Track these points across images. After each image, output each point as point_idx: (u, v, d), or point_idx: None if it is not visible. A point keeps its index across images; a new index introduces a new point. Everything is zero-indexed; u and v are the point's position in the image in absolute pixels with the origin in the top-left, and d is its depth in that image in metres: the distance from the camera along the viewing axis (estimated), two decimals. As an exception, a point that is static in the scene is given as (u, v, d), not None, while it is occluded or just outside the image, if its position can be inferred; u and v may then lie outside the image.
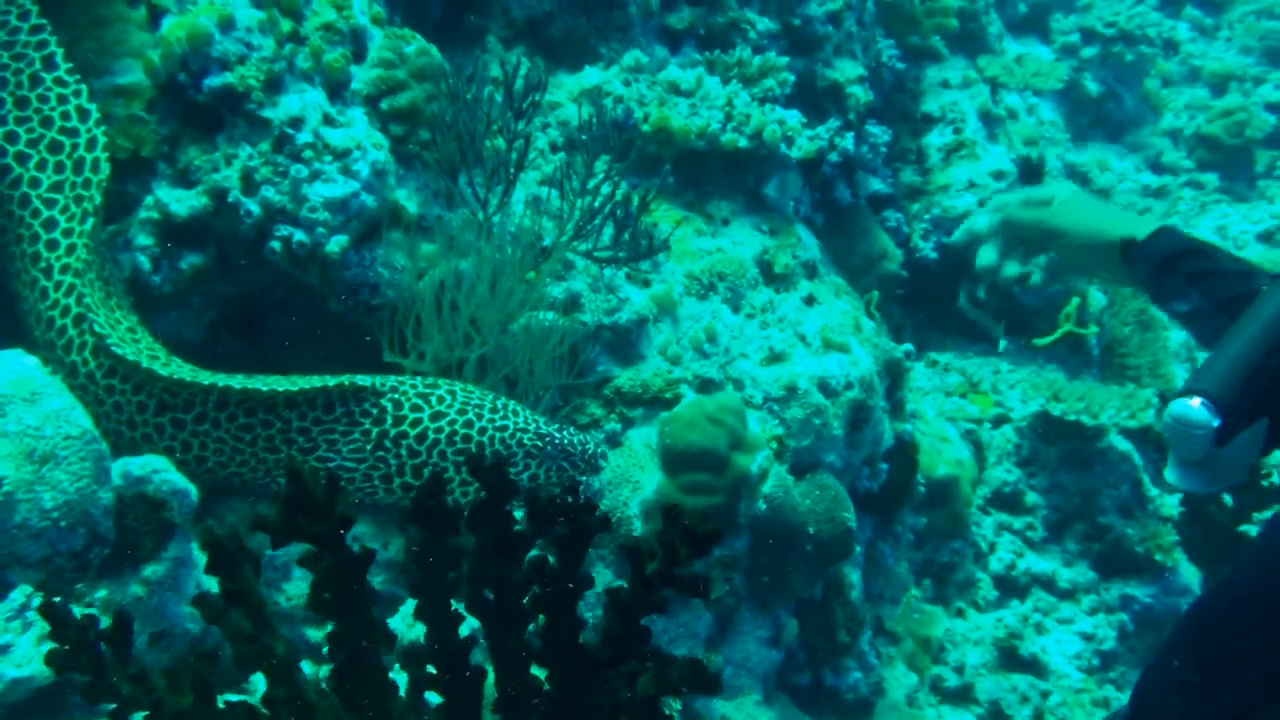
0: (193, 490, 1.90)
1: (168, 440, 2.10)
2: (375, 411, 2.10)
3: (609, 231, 2.49)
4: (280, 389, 2.06)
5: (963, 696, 3.18)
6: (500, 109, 2.38)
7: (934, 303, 4.35)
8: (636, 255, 2.37)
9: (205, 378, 2.06)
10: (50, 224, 2.19)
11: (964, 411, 3.92)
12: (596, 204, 2.41)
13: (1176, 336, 5.33)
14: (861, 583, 2.84)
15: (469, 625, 1.25)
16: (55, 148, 2.22)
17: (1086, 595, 3.62)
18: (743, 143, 3.02)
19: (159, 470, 1.88)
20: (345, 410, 2.09)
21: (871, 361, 2.89)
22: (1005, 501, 3.77)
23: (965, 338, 4.43)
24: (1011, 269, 4.10)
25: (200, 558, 1.94)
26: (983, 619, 3.46)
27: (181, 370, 2.10)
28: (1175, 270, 2.25)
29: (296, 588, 2.06)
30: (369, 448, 2.10)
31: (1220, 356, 1.83)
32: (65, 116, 2.23)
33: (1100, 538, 3.70)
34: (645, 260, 2.43)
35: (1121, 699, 3.32)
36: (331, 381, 2.08)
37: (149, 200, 2.33)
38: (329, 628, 2.00)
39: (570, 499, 1.17)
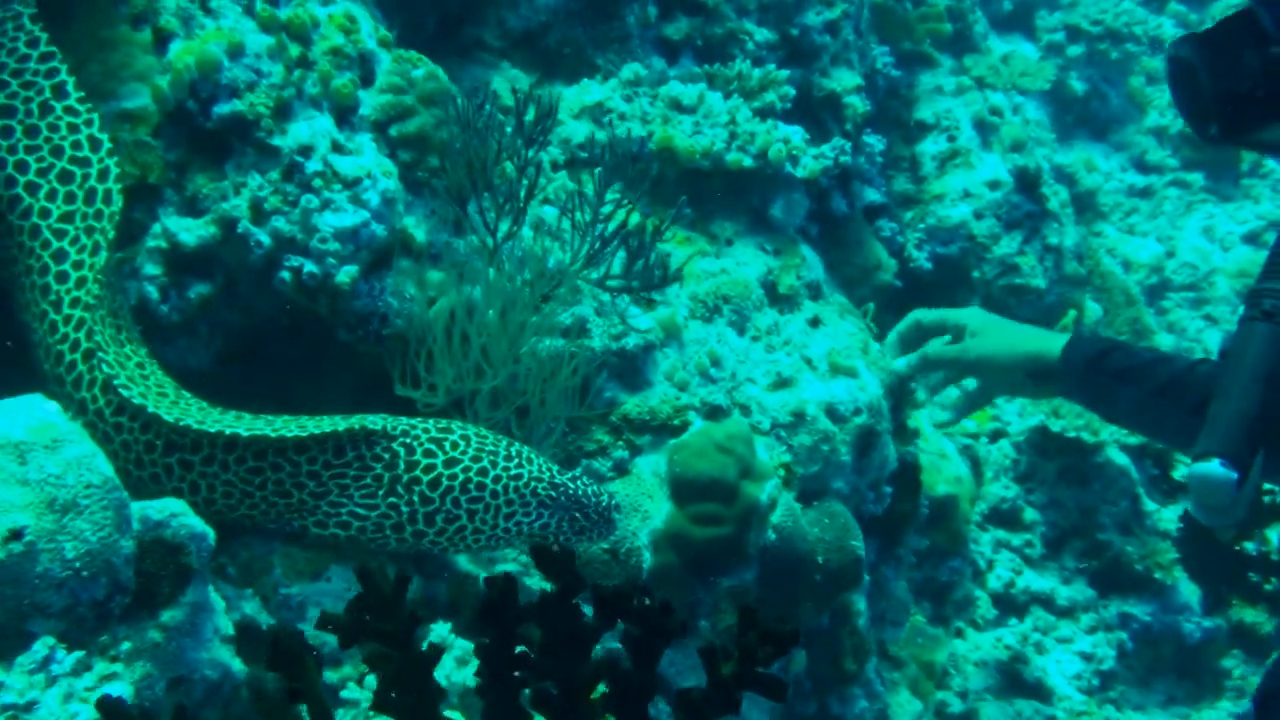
0: (210, 534, 1.88)
1: (176, 481, 2.08)
2: (387, 456, 2.07)
3: (619, 258, 2.47)
4: (289, 434, 2.03)
5: (965, 721, 3.21)
6: (511, 136, 2.35)
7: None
8: (650, 285, 2.36)
9: (212, 421, 2.02)
10: (60, 255, 2.16)
11: (961, 426, 3.93)
12: (607, 233, 2.39)
13: (1165, 340, 5.37)
14: (868, 609, 2.85)
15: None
16: (66, 178, 2.18)
17: (1085, 613, 3.64)
18: (748, 162, 3.01)
19: (177, 514, 1.86)
20: (356, 454, 2.07)
21: (879, 386, 2.89)
22: (1003, 518, 3.80)
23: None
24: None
25: (218, 601, 1.94)
26: (982, 638, 3.48)
27: (188, 411, 2.07)
28: (1102, 371, 2.42)
29: (311, 629, 2.04)
30: (381, 493, 2.08)
31: (1221, 415, 2.02)
32: (76, 146, 2.19)
33: (1099, 555, 3.73)
34: (659, 290, 2.41)
35: (1118, 715, 3.35)
36: (342, 425, 2.05)
37: (156, 229, 2.30)
38: (345, 669, 2.01)
39: (647, 600, 1.16)
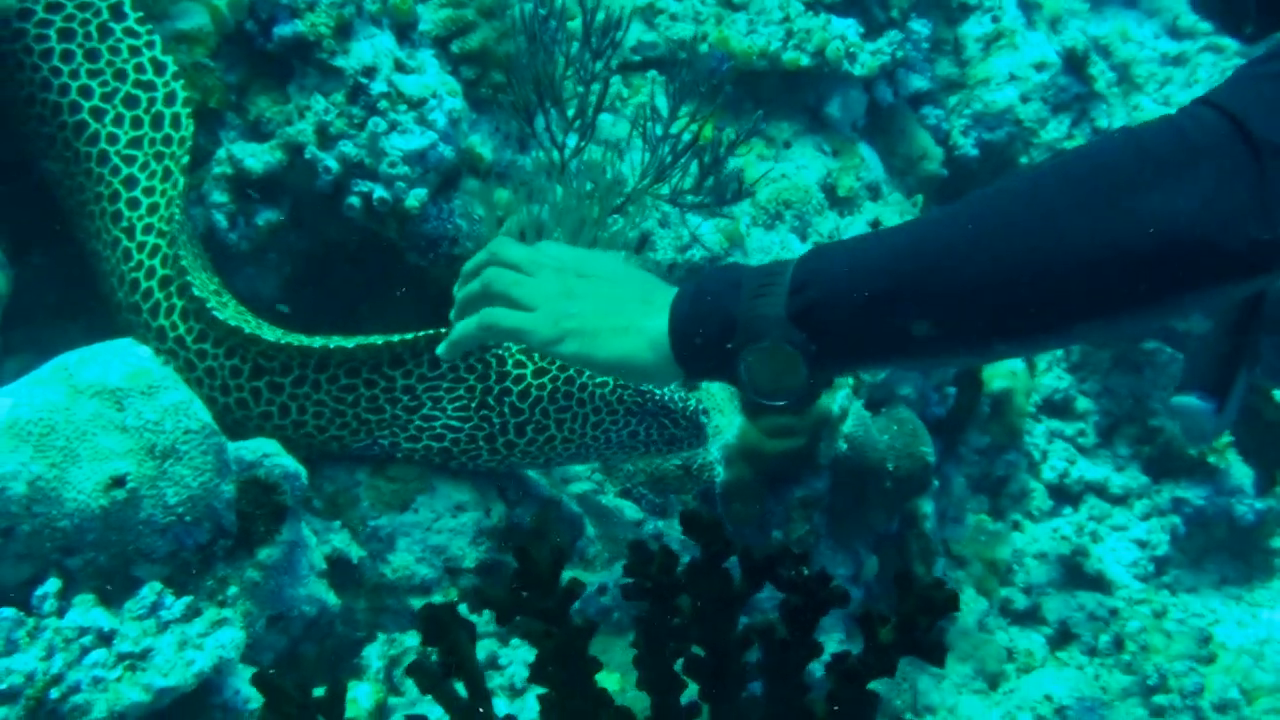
0: (303, 472, 1.89)
1: (264, 405, 2.06)
2: (480, 368, 2.06)
3: (690, 173, 2.43)
4: (383, 343, 2.01)
5: (1031, 617, 3.23)
6: (579, 50, 2.30)
7: (972, 198, 4.29)
8: (724, 200, 2.32)
9: (305, 340, 2.01)
10: (130, 182, 2.12)
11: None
12: (679, 147, 2.34)
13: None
14: (935, 512, 2.86)
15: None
16: (131, 102, 2.13)
17: (1139, 500, 3.65)
18: (805, 61, 2.94)
19: (270, 454, 1.86)
20: (450, 366, 2.05)
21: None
22: (1056, 408, 3.79)
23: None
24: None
25: (310, 537, 1.95)
26: (1038, 529, 3.49)
27: (276, 333, 2.06)
28: None
29: (400, 559, 2.06)
30: (474, 405, 2.07)
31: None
32: (139, 69, 2.14)
33: (1151, 440, 3.72)
34: (734, 205, 2.37)
35: (1176, 603, 3.38)
36: (437, 333, 2.00)
37: (221, 155, 2.27)
38: (434, 599, 2.03)
39: (805, 570, 1.15)
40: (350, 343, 2.02)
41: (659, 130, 2.33)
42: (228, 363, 2.06)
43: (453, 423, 2.08)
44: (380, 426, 2.09)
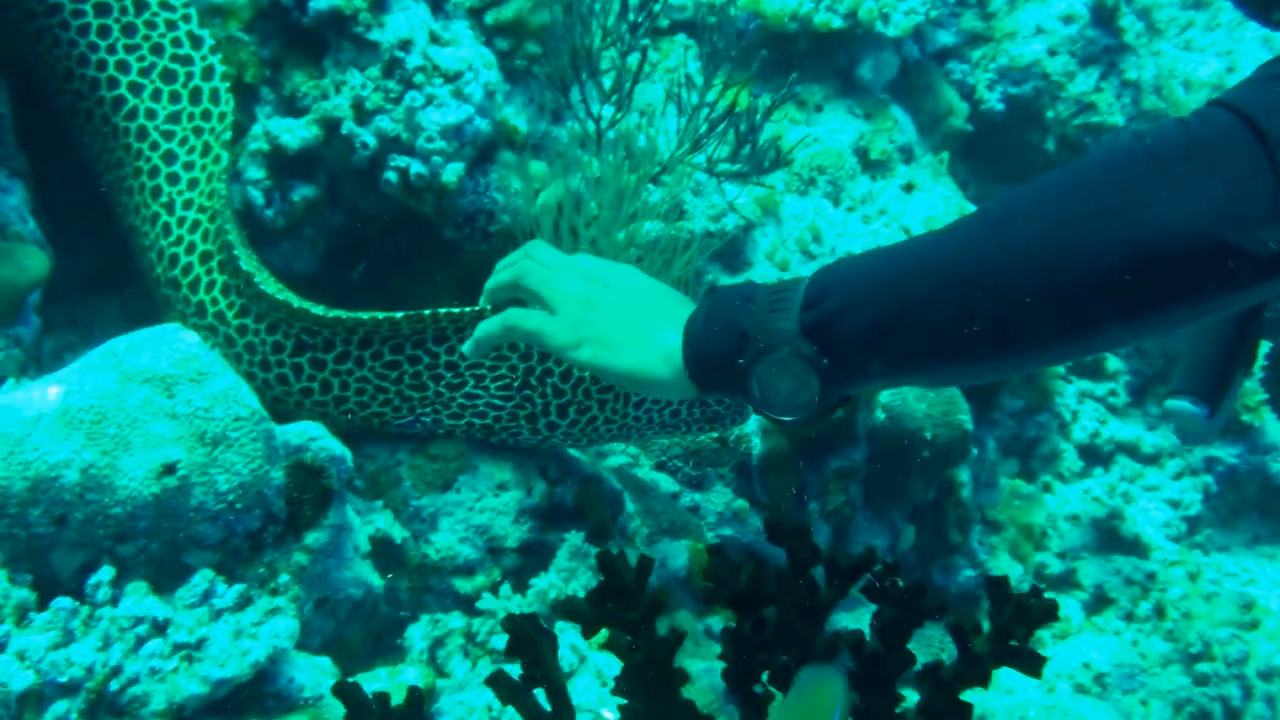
0: (348, 456, 1.89)
1: (305, 381, 2.05)
2: (522, 346, 2.04)
3: (725, 142, 2.40)
4: (429, 315, 1.99)
5: (1066, 582, 3.24)
6: (616, 21, 2.27)
7: (996, 152, 4.25)
8: (762, 169, 2.29)
9: (350, 314, 1.99)
10: (170, 157, 2.11)
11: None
12: (713, 115, 2.31)
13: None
14: (971, 479, 2.86)
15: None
16: (169, 76, 2.12)
17: (1171, 460, 3.64)
18: (837, 23, 2.91)
19: (315, 437, 1.86)
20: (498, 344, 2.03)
21: (978, 255, 2.84)
22: (1086, 369, 3.77)
23: (1028, 188, 4.34)
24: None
25: (355, 519, 1.95)
26: (1069, 490, 3.49)
27: (320, 308, 2.05)
28: None
29: (443, 539, 2.06)
30: (516, 384, 2.06)
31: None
32: (176, 43, 2.12)
33: (1184, 400, 3.70)
34: (771, 174, 2.35)
35: (1209, 563, 3.38)
36: (483, 310, 1.99)
37: (257, 130, 2.25)
38: (478, 579, 2.03)
39: (899, 580, 1.15)
40: (397, 316, 2.00)
41: (694, 98, 2.30)
42: (269, 338, 2.04)
43: (495, 401, 2.07)
44: (423, 404, 2.08)
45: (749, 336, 1.55)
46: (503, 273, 1.83)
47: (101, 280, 2.34)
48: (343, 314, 1.99)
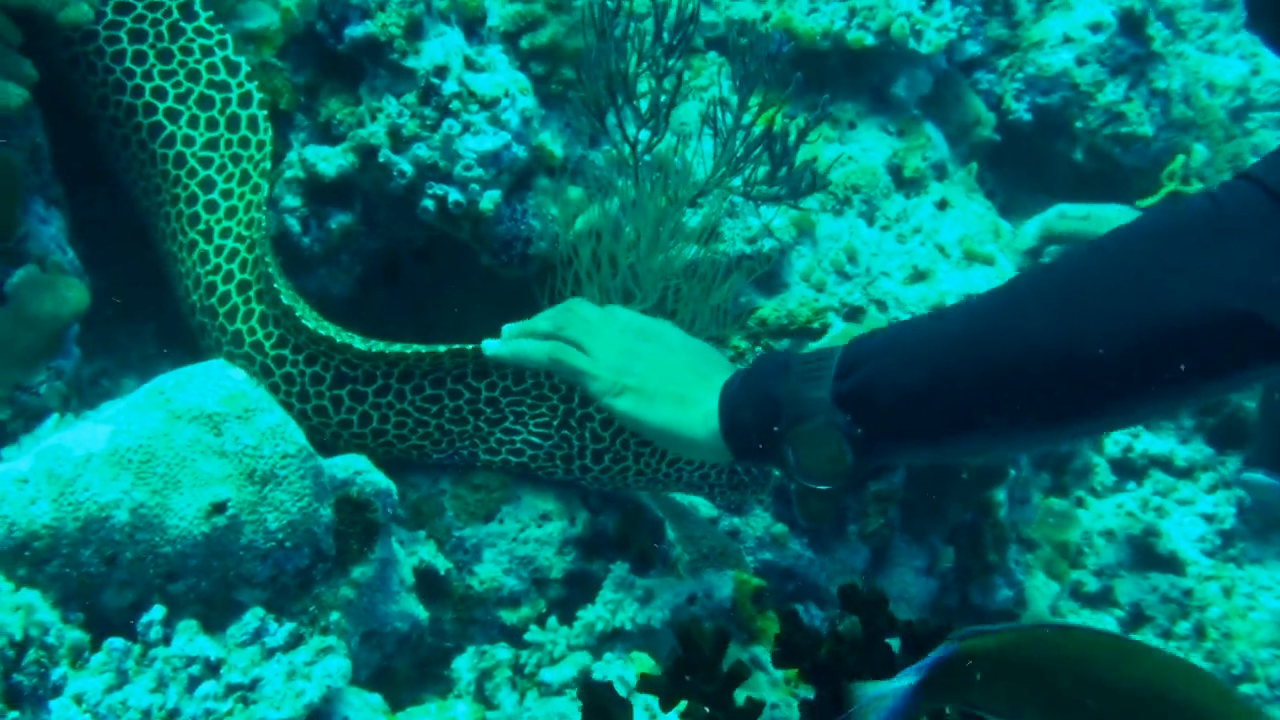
0: (394, 489, 1.88)
1: (344, 413, 2.05)
2: (564, 389, 2.03)
3: (761, 163, 2.39)
4: (471, 350, 1.98)
5: (1103, 600, 3.22)
6: (651, 45, 2.25)
7: (1024, 161, 4.23)
8: (798, 193, 2.28)
9: (390, 347, 1.99)
10: (208, 184, 2.10)
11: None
12: (750, 139, 2.30)
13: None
14: (1008, 499, 2.85)
15: None
16: (205, 103, 2.11)
17: (1204, 472, 3.62)
18: (869, 40, 2.90)
19: (361, 471, 1.85)
20: (535, 383, 2.03)
21: (1015, 272, 2.83)
22: (1119, 383, 3.75)
23: (1056, 197, 4.32)
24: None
25: (400, 552, 1.94)
26: (1103, 505, 3.47)
27: (353, 338, 2.04)
28: None
29: (487, 570, 2.05)
30: (555, 424, 2.05)
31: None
32: (212, 69, 2.12)
33: (1216, 411, 3.68)
34: (809, 198, 2.33)
35: (1243, 576, 3.36)
36: None
37: (293, 158, 2.25)
38: (523, 610, 2.03)
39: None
40: (439, 350, 1.99)
41: (728, 119, 2.28)
42: (308, 369, 2.04)
43: (533, 439, 2.06)
44: (461, 438, 2.07)
45: (783, 404, 1.58)
46: (542, 321, 1.89)
47: (136, 305, 2.33)
48: (384, 348, 1.99)
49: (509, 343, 1.92)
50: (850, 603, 1.17)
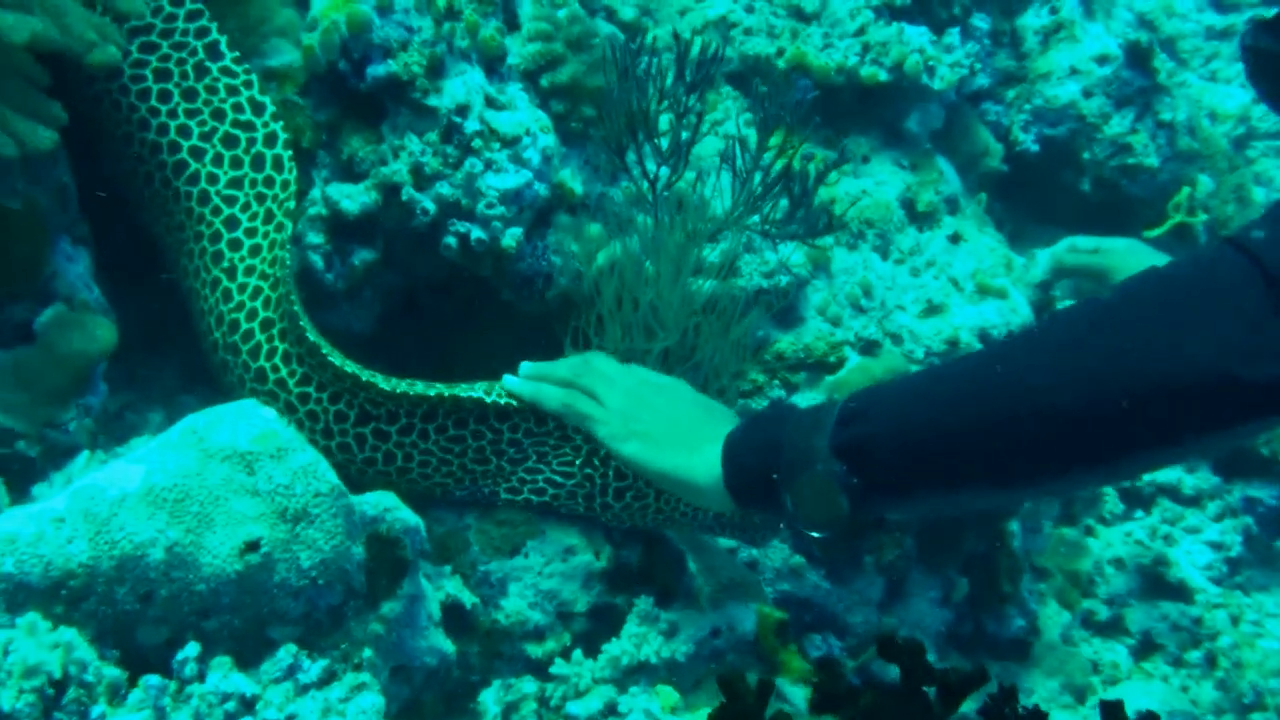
0: (422, 526, 1.90)
1: (368, 451, 2.07)
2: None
3: (778, 203, 2.41)
4: (491, 399, 2.02)
5: (1114, 628, 3.24)
6: (673, 85, 2.28)
7: (1032, 192, 4.26)
8: (815, 232, 2.31)
9: (410, 388, 2.01)
10: (232, 222, 2.12)
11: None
12: (769, 179, 2.33)
13: (1257, 193, 5.27)
14: (1021, 529, 2.87)
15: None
16: (230, 142, 2.13)
17: (1211, 501, 3.63)
18: (883, 76, 2.93)
19: (390, 508, 1.87)
20: (557, 424, 2.05)
21: (1028, 306, 2.86)
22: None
23: (1063, 227, 4.35)
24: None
25: (427, 587, 1.96)
26: (1111, 534, 3.49)
27: (376, 377, 2.06)
28: None
29: (513, 604, 2.07)
30: (579, 463, 2.07)
31: None
32: (237, 109, 2.14)
33: (1223, 440, 3.69)
34: (826, 236, 2.36)
35: (1250, 604, 3.38)
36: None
37: (316, 195, 2.27)
38: (548, 644, 2.05)
39: (1020, 708, 1.16)
40: (461, 395, 2.02)
41: (745, 159, 2.31)
42: (332, 407, 2.06)
43: (555, 478, 2.09)
44: (484, 476, 2.10)
45: (783, 451, 1.64)
46: (561, 368, 2.02)
47: (159, 338, 2.35)
48: (407, 388, 2.01)
49: (527, 383, 2.02)
50: (889, 652, 1.19)
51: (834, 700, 1.18)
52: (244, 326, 2.10)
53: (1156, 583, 3.35)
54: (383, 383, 2.01)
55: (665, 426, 1.90)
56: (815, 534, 1.70)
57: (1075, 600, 3.17)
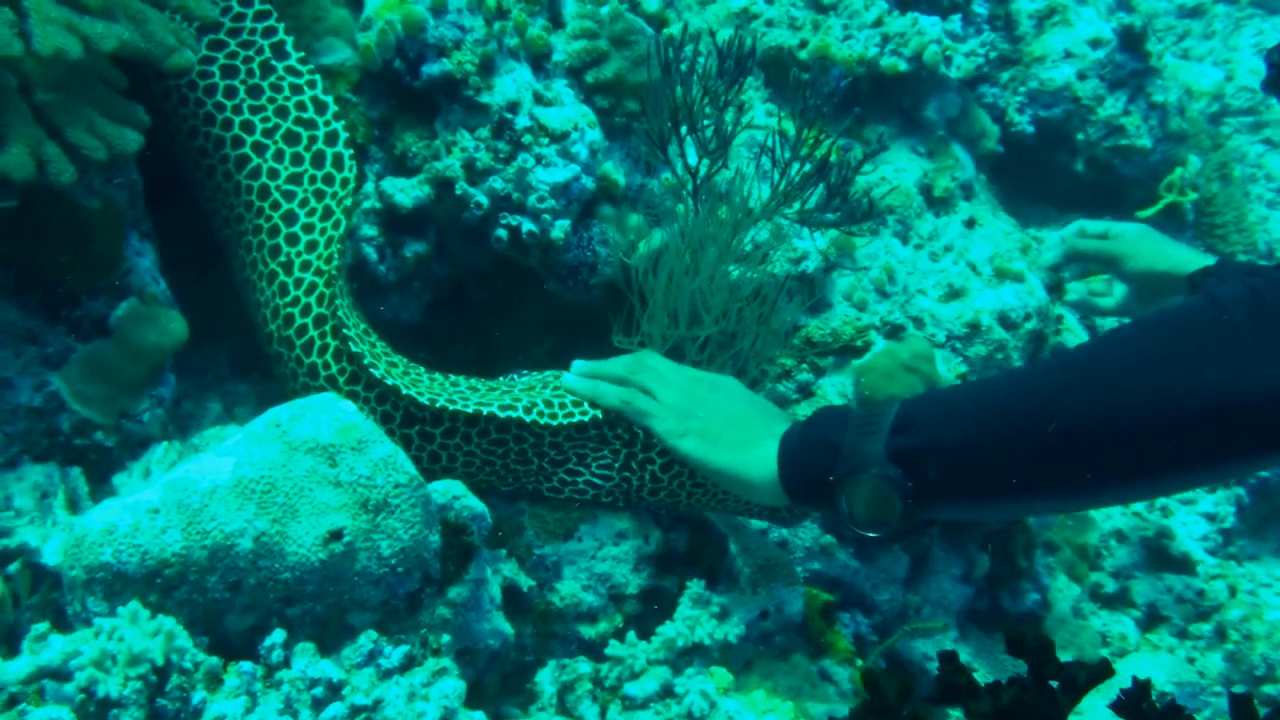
0: (488, 513, 1.97)
1: (414, 450, 2.12)
2: (627, 436, 2.12)
3: (813, 192, 2.48)
4: (530, 419, 2.08)
5: (1121, 600, 3.35)
6: (715, 79, 2.34)
7: (1026, 172, 4.34)
8: (853, 219, 2.38)
9: (450, 403, 2.06)
10: (290, 217, 2.17)
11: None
12: (807, 168, 2.39)
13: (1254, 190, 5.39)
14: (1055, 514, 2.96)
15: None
16: (292, 139, 2.18)
17: (1207, 473, 3.74)
18: (903, 66, 3.00)
19: (458, 496, 1.94)
20: (598, 431, 2.12)
21: (1044, 289, 2.95)
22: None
23: (1055, 206, 4.44)
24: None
25: (493, 576, 2.03)
26: (1112, 508, 3.60)
27: (420, 381, 2.11)
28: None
29: (567, 587, 2.14)
30: (617, 466, 2.14)
31: None
32: (301, 107, 2.19)
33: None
34: (868, 223, 2.42)
35: (1244, 573, 3.50)
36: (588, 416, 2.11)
37: (369, 189, 2.32)
38: (601, 626, 2.12)
39: (1158, 704, 1.23)
40: (500, 415, 2.07)
41: (772, 148, 2.37)
42: (379, 408, 2.11)
43: (595, 480, 2.15)
44: (526, 475, 2.16)
45: (840, 455, 1.73)
46: (616, 366, 2.10)
47: (207, 329, 2.40)
48: (446, 401, 2.05)
49: (584, 381, 2.10)
50: (1019, 649, 1.26)
51: (954, 692, 1.25)
52: (298, 321, 2.15)
53: (1160, 555, 3.46)
54: (422, 396, 2.06)
55: (720, 423, 1.98)
56: (869, 534, 1.78)
57: (1084, 574, 3.28)
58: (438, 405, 2.05)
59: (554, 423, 2.09)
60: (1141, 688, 1.27)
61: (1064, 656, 2.76)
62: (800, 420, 1.93)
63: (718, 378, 2.10)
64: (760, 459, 1.90)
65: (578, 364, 2.13)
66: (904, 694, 1.21)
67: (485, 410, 2.06)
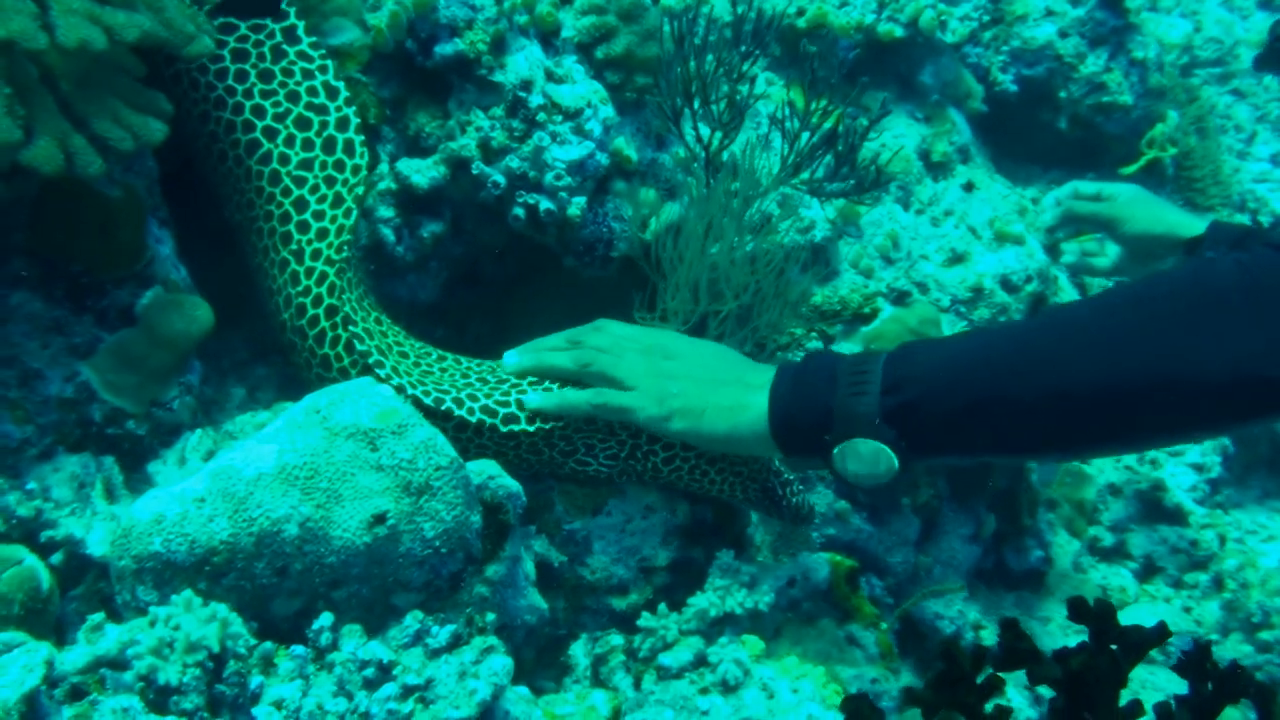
0: (521, 491, 1.99)
1: None
2: (633, 427, 2.15)
3: (821, 162, 2.51)
4: (534, 427, 2.10)
5: (1118, 553, 3.42)
6: (729, 53, 2.36)
7: (1010, 131, 4.38)
8: (864, 188, 2.41)
9: (455, 406, 2.08)
10: (301, 204, 2.16)
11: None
12: (815, 139, 2.42)
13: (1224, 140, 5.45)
14: (1039, 463, 3.01)
15: None
16: (303, 124, 2.17)
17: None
18: (899, 32, 3.02)
19: (494, 476, 1.96)
20: (606, 422, 2.14)
21: (1043, 251, 2.99)
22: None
23: (1039, 164, 4.49)
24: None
25: (526, 553, 2.06)
26: (1103, 460, 3.66)
27: (429, 374, 2.12)
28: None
29: (598, 561, 2.17)
30: (623, 455, 2.16)
31: None
32: (312, 92, 2.18)
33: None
34: (875, 191, 2.45)
35: (1231, 521, 3.58)
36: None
37: (385, 170, 2.33)
38: (632, 598, 2.15)
39: (1219, 664, 1.28)
40: (501, 429, 2.09)
41: (782, 119, 2.39)
42: None
43: (602, 469, 2.18)
44: (539, 465, 2.18)
45: (834, 417, 1.79)
46: (562, 360, 2.08)
47: (222, 312, 2.40)
48: (453, 406, 2.07)
49: (551, 397, 2.09)
50: (1081, 616, 1.30)
51: (1018, 657, 1.29)
52: (310, 312, 2.14)
53: (1154, 507, 3.53)
54: (428, 397, 2.07)
55: (698, 390, 1.99)
56: (864, 485, 1.85)
57: (1082, 529, 3.35)
58: (443, 407, 2.07)
59: (558, 423, 2.12)
60: (1202, 649, 1.31)
61: (1066, 610, 2.82)
62: (784, 367, 1.97)
63: (663, 337, 2.11)
64: (751, 419, 1.94)
65: (510, 356, 2.14)
66: (978, 663, 1.25)
67: (489, 422, 2.09)
